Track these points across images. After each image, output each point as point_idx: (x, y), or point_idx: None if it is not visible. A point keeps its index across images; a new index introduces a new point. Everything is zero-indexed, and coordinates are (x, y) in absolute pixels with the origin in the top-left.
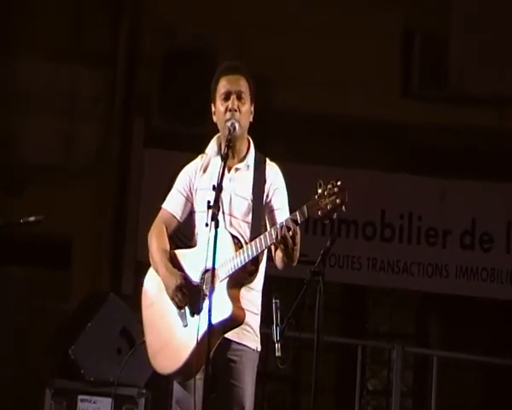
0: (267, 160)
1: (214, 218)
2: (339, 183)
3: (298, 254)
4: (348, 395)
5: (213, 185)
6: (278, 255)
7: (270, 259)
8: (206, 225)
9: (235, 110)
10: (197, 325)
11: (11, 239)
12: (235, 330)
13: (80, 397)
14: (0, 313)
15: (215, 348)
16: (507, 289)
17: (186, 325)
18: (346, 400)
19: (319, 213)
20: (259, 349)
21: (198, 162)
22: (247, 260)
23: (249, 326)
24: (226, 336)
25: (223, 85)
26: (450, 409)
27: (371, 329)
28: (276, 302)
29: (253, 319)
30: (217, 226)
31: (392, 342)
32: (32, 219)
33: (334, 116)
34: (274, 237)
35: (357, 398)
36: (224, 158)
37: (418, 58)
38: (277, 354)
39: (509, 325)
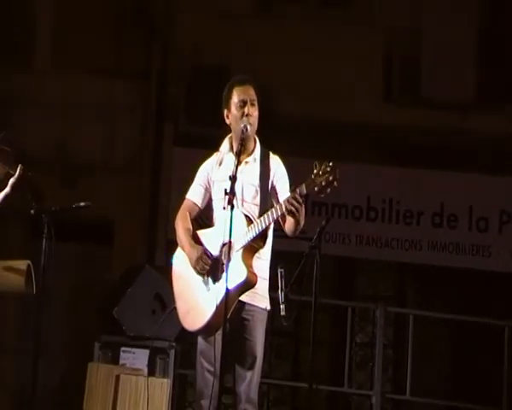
0: (270, 153)
1: (230, 202)
2: (331, 163)
3: (303, 222)
4: (340, 347)
5: (229, 176)
6: (287, 224)
7: (276, 236)
8: (224, 208)
9: (250, 115)
10: (218, 291)
11: (67, 220)
12: (248, 293)
13: (122, 349)
14: (57, 281)
15: (232, 310)
16: (469, 259)
17: (209, 290)
18: (339, 351)
19: (315, 188)
20: (269, 308)
21: (214, 159)
22: (258, 233)
23: (259, 290)
24: (240, 298)
25: (237, 95)
26: (423, 358)
27: (359, 293)
28: (280, 271)
29: (263, 283)
30: (232, 209)
31: (376, 303)
32: (82, 204)
33: (328, 120)
34: (279, 211)
35: (347, 349)
36: (238, 154)
37: (397, 73)
38: (282, 313)
39: (469, 289)
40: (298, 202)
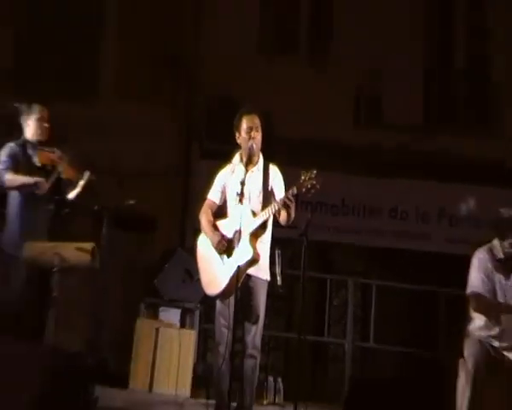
0: (270, 164)
1: (241, 200)
2: (314, 171)
3: (293, 215)
4: (321, 308)
5: (240, 182)
6: (282, 217)
7: (276, 225)
8: (236, 205)
9: (255, 138)
10: (231, 266)
11: (121, 214)
12: (253, 267)
13: (160, 309)
14: (114, 259)
15: (241, 280)
16: (416, 243)
17: (224, 265)
18: (321, 311)
19: (303, 190)
20: (269, 279)
21: (228, 168)
22: (260, 222)
23: (262, 265)
24: (247, 272)
25: (246, 122)
26: (384, 317)
27: (336, 268)
28: (278, 252)
29: (265, 260)
30: (242, 205)
31: (348, 275)
32: (131, 202)
33: (313, 139)
34: (277, 206)
35: (327, 309)
36: (246, 165)
37: (364, 105)
38: (279, 283)
39: (417, 265)
40: (290, 200)
